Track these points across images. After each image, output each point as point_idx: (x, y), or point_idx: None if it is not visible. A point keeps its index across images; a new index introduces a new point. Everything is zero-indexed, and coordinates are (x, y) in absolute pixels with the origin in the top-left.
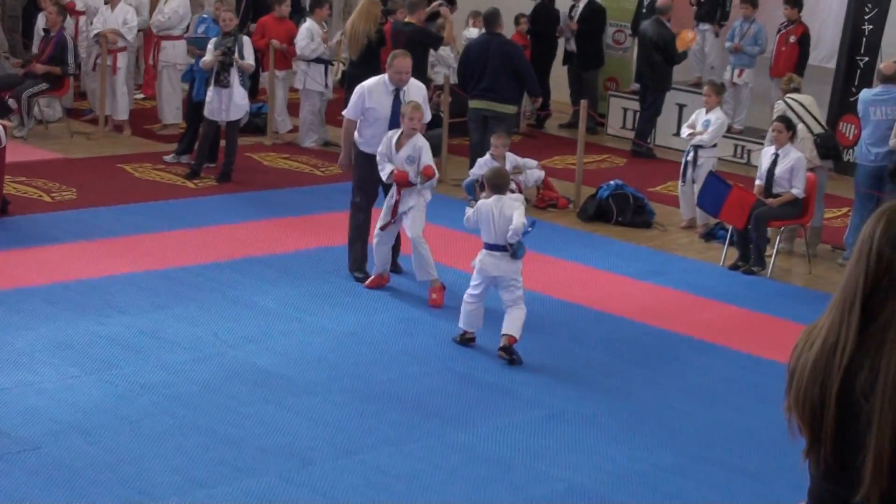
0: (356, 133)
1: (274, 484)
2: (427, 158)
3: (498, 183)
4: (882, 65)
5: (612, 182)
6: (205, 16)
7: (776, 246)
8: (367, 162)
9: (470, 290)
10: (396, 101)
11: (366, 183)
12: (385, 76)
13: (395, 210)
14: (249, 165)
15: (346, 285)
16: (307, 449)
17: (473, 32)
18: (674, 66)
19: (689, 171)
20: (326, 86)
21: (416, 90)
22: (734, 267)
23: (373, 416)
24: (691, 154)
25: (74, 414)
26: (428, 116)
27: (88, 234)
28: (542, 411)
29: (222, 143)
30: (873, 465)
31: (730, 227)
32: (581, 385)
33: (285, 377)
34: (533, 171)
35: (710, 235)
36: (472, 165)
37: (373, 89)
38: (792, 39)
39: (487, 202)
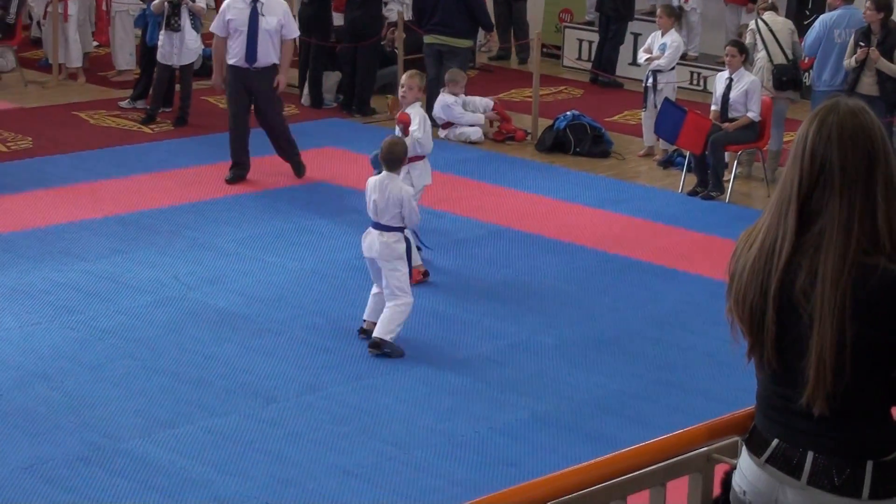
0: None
1: (238, 422)
2: (410, 111)
3: (388, 158)
4: None
5: (568, 113)
6: None
7: (734, 170)
8: (232, 74)
9: None
10: (254, 13)
11: (235, 94)
12: None
13: None
14: (205, 108)
15: (305, 224)
16: (271, 387)
17: None
18: None
19: (651, 96)
20: None
21: (275, 4)
22: (693, 193)
23: (336, 351)
24: (650, 79)
25: (36, 360)
26: (295, 32)
27: (45, 182)
28: (505, 341)
29: (178, 87)
30: (816, 368)
31: (687, 154)
32: (543, 315)
33: (247, 317)
34: (480, 101)
35: (668, 162)
36: (430, 101)
37: (232, 2)
38: None
39: (373, 178)
